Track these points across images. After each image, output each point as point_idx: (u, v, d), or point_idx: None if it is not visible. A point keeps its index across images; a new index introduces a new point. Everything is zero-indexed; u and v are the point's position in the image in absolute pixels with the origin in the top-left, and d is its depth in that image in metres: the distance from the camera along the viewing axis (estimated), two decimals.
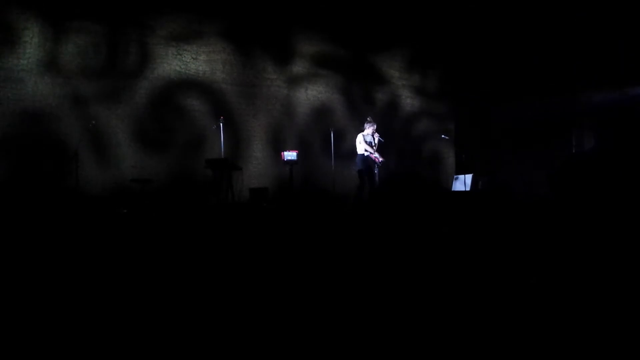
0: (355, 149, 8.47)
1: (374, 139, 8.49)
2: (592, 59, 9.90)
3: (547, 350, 1.88)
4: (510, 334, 2.04)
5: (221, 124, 8.16)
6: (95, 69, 8.12)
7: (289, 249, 4.22)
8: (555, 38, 10.07)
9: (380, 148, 8.56)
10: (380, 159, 8.46)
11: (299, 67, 10.08)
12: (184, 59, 8.86)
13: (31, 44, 7.63)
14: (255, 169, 9.46)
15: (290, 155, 8.76)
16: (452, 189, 10.78)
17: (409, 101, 11.45)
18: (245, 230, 5.74)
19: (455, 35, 11.08)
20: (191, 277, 3.18)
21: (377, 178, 8.54)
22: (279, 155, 9.09)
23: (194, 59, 8.95)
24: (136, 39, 8.46)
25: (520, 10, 10.00)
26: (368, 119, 8.74)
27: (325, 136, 9.56)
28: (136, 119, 8.43)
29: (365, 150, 8.30)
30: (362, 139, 8.38)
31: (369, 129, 8.49)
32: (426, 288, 2.78)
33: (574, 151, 8.99)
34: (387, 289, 2.78)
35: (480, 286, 2.81)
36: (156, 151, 8.55)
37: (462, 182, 10.22)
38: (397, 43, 11.10)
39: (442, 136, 11.24)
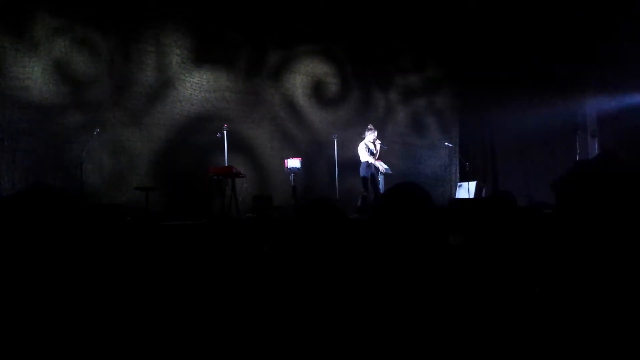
0: (358, 157, 8.52)
1: (375, 146, 8.52)
2: (596, 63, 9.88)
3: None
4: (514, 341, 2.03)
5: (225, 132, 8.19)
6: (100, 76, 8.17)
7: (291, 258, 4.21)
8: (559, 41, 10.05)
9: (382, 155, 8.58)
10: (384, 167, 8.48)
11: (302, 75, 10.11)
12: (187, 67, 8.91)
13: (36, 51, 7.68)
14: (259, 177, 9.47)
15: (293, 162, 8.76)
16: (455, 197, 10.76)
17: (411, 107, 11.44)
18: (249, 239, 5.73)
19: (458, 39, 11.09)
20: (192, 286, 3.17)
21: (381, 185, 8.56)
22: (282, 163, 9.10)
23: (197, 67, 8.99)
24: (140, 47, 8.52)
25: (524, 15, 10.01)
26: (369, 126, 8.78)
27: (329, 143, 9.58)
28: (139, 126, 8.46)
29: (367, 157, 8.35)
30: (364, 147, 8.43)
31: (370, 137, 8.55)
32: (431, 299, 2.76)
33: (578, 158, 8.96)
34: (392, 300, 2.76)
35: (489, 298, 2.79)
36: (159, 159, 8.58)
37: (466, 190, 10.20)
38: (401, 46, 11.09)
39: (446, 143, 11.24)
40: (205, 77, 9.07)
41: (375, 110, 10.90)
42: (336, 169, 9.20)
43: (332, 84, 10.44)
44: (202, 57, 9.03)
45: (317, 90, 10.27)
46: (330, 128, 10.10)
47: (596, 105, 10.50)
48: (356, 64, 10.65)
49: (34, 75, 7.64)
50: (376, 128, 8.81)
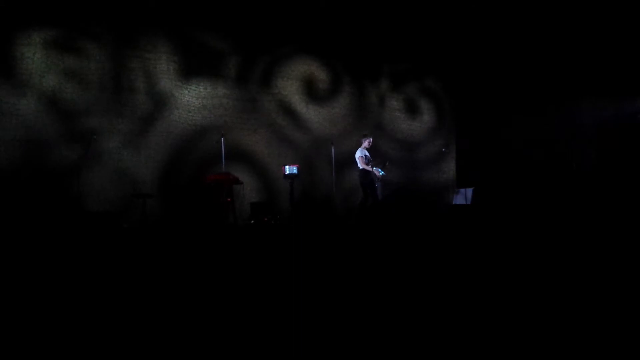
0: (356, 164, 8.55)
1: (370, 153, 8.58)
2: (592, 72, 9.91)
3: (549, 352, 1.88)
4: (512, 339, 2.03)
5: (222, 139, 8.19)
6: (97, 84, 8.18)
7: (289, 263, 4.21)
8: (557, 47, 10.09)
9: (381, 162, 8.62)
10: (380, 173, 8.51)
11: (298, 81, 10.14)
12: (185, 74, 8.93)
13: (33, 60, 7.70)
14: (257, 183, 9.46)
15: (291, 169, 8.76)
16: (453, 203, 10.78)
17: (409, 114, 11.47)
18: (246, 245, 5.73)
19: (456, 48, 11.14)
20: (190, 291, 3.17)
21: (378, 192, 8.58)
22: (280, 169, 9.11)
23: (195, 74, 9.02)
24: (137, 55, 8.54)
25: (523, 25, 10.06)
26: (365, 133, 8.83)
27: (327, 149, 9.59)
28: (137, 134, 8.47)
29: (366, 164, 8.37)
30: (361, 153, 8.47)
31: (366, 143, 8.59)
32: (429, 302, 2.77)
33: (573, 167, 9.00)
34: (391, 301, 2.77)
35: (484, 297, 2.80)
36: (157, 166, 8.58)
37: (464, 196, 10.23)
38: (399, 54, 11.13)
39: (443, 150, 11.26)
40: (202, 85, 9.09)
41: (372, 118, 10.92)
42: (333, 173, 9.23)
43: (328, 90, 10.46)
44: (199, 65, 9.04)
45: (313, 95, 10.29)
46: (327, 133, 10.12)
47: (594, 111, 10.53)
48: (352, 67, 10.68)
49: (31, 84, 7.65)
50: (371, 134, 8.84)
